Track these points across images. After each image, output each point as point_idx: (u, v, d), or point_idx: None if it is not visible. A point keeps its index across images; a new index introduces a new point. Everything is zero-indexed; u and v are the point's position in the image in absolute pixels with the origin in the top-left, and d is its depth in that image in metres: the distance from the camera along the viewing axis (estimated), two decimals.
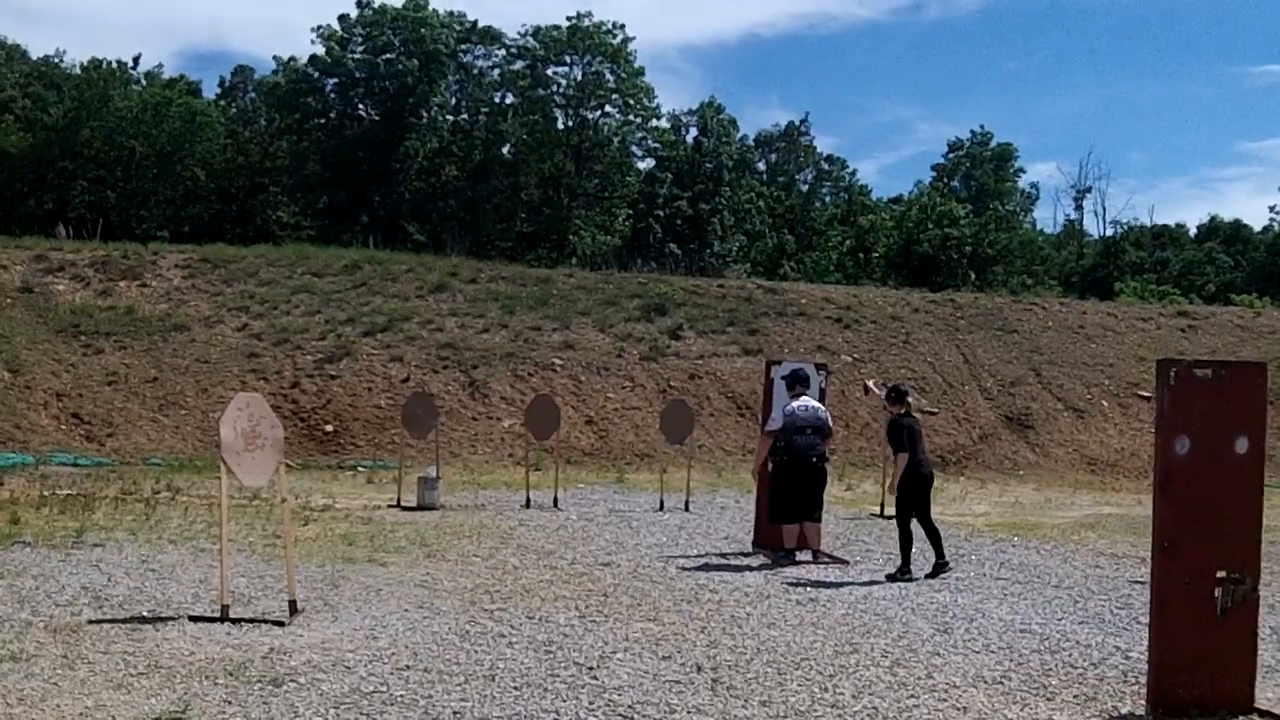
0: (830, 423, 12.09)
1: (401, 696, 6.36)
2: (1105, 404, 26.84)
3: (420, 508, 15.02)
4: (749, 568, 11.28)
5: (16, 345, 22.52)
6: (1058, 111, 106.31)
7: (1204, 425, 6.47)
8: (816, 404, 11.97)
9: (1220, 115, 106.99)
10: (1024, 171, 69.79)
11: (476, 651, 7.42)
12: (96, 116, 47.69)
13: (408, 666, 6.99)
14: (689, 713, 6.27)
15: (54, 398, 21.49)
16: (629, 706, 6.32)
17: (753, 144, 65.70)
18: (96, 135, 47.51)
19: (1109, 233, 67.16)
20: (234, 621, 7.95)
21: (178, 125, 48.67)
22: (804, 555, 11.80)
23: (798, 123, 68.06)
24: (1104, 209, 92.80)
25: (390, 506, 15.18)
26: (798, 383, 11.93)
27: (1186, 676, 6.41)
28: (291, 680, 6.59)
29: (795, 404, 11.74)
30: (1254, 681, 6.35)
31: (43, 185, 47.03)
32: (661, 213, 55.34)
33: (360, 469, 20.11)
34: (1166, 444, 6.57)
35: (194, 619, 8.03)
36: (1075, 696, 6.91)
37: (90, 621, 7.89)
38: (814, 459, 11.70)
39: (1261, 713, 6.45)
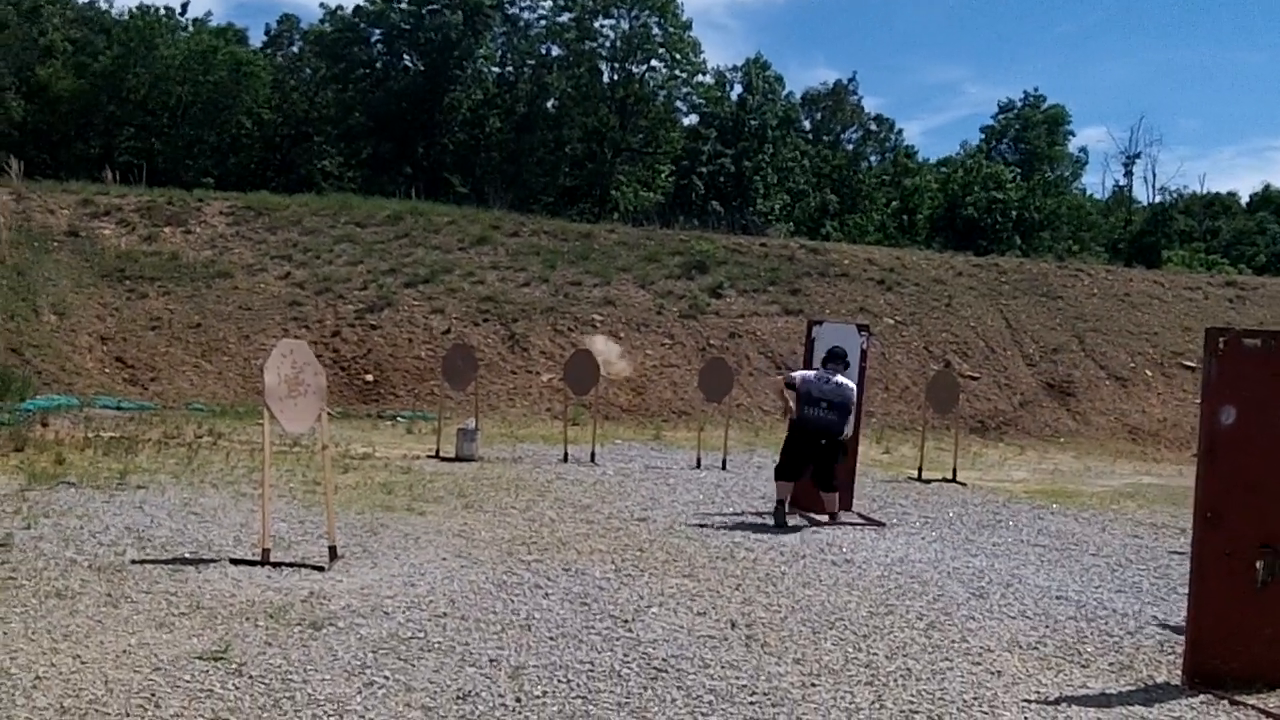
0: (852, 400, 11.56)
1: (439, 643, 6.43)
2: (1148, 373, 26.57)
3: (458, 459, 15.12)
4: (791, 527, 11.28)
5: (62, 289, 22.76)
6: (1110, 75, 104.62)
7: (1251, 395, 6.41)
8: (845, 381, 11.57)
9: (1275, 83, 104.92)
10: (1074, 135, 68.81)
11: (513, 601, 7.49)
12: (143, 63, 47.83)
13: (445, 614, 7.07)
14: (723, 668, 6.30)
15: (98, 341, 21.73)
16: (663, 660, 6.37)
17: (799, 102, 65.11)
18: (143, 81, 47.68)
19: (1158, 200, 66.25)
20: (274, 565, 8.06)
21: (224, 73, 48.74)
22: (798, 520, 11.79)
23: (845, 81, 67.35)
24: (1154, 175, 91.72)
25: (429, 457, 15.29)
26: (832, 359, 11.70)
27: (1224, 648, 6.38)
28: (330, 624, 6.68)
29: (816, 374, 11.66)
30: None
31: (90, 130, 47.30)
32: (704, 170, 54.96)
33: (400, 419, 20.24)
34: (1212, 413, 6.51)
35: (235, 562, 8.14)
36: (1110, 664, 6.89)
37: (133, 561, 8.02)
38: (822, 440, 11.42)
39: None
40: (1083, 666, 6.81)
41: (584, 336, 23.55)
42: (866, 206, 59.19)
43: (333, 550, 8.39)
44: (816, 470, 11.57)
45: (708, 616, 7.43)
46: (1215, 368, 6.54)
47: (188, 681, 5.55)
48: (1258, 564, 6.38)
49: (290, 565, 8.12)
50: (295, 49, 58.24)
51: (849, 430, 11.62)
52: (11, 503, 9.92)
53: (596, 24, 55.72)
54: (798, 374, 11.94)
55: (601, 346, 12.89)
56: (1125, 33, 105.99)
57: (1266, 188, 68.61)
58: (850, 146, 67.31)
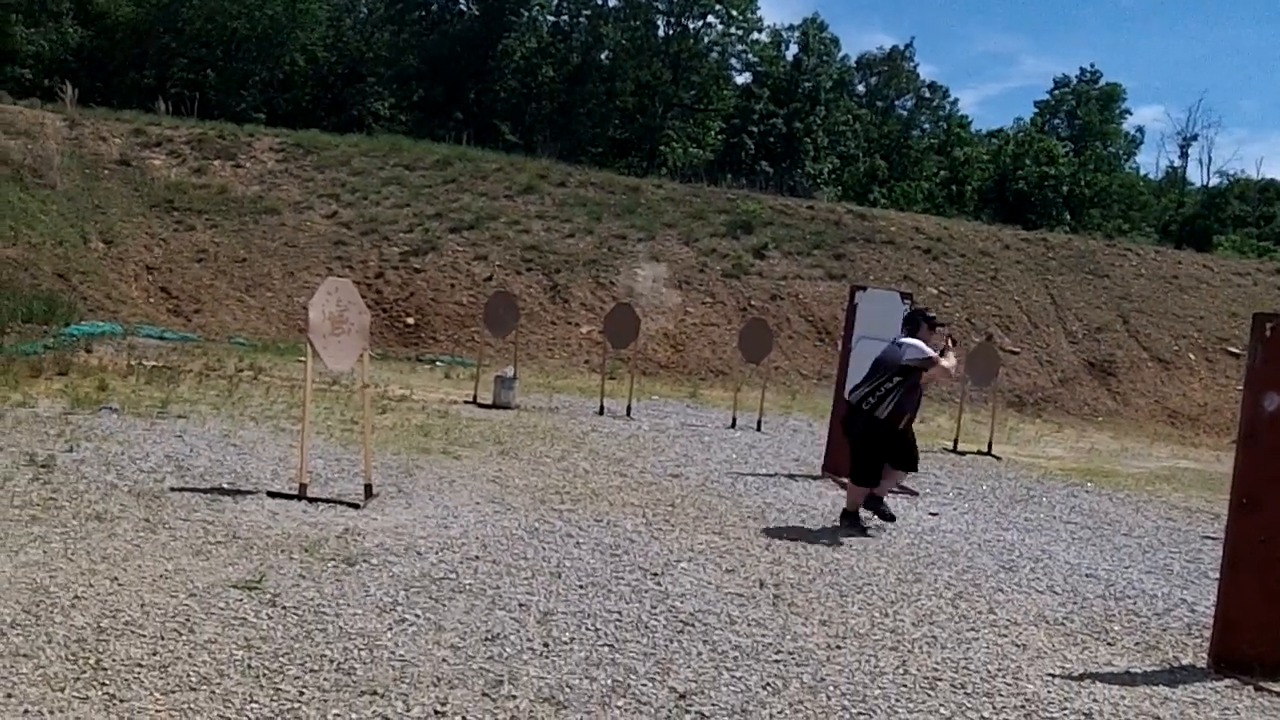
0: (888, 361, 9.28)
1: (470, 585, 6.50)
2: (1192, 357, 26.33)
3: (495, 406, 15.21)
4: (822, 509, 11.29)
5: (111, 217, 22.99)
6: (1170, 54, 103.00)
7: None
8: (904, 339, 9.40)
9: None
10: (1130, 114, 68.01)
11: (544, 549, 7.55)
12: None
13: (477, 557, 7.14)
14: (749, 625, 6.34)
15: (145, 270, 21.96)
16: (690, 614, 6.41)
17: (854, 65, 64.56)
18: (199, 13, 47.74)
19: (1213, 183, 65.40)
20: (311, 500, 8.16)
21: (279, 8, 48.75)
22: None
23: (901, 47, 66.73)
24: (1210, 158, 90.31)
25: (466, 402, 15.38)
26: (905, 323, 9.80)
27: (1253, 633, 6.36)
28: (364, 560, 6.76)
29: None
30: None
31: (144, 60, 47.46)
32: (755, 129, 54.66)
33: (439, 363, 20.36)
34: (1255, 399, 6.46)
35: (272, 495, 8.25)
36: (1136, 644, 6.89)
37: (172, 489, 8.14)
38: (849, 404, 9.55)
39: None
40: (1108, 644, 6.81)
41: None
42: (916, 174, 58.76)
43: (368, 489, 8.48)
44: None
45: (736, 574, 7.47)
46: (1261, 354, 6.48)
47: (222, 609, 5.65)
48: None
49: (326, 501, 8.22)
50: None
51: (868, 397, 9.23)
52: (55, 425, 10.08)
53: None
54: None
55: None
56: (1186, 10, 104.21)
57: None
58: (903, 113, 66.75)
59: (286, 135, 29.32)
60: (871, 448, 9.26)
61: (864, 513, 9.54)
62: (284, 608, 5.75)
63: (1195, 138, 65.60)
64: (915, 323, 9.52)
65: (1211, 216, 59.33)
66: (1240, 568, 6.45)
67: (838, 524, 9.40)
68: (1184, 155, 67.74)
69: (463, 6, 53.71)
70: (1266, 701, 6.02)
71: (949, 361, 9.26)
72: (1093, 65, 66.97)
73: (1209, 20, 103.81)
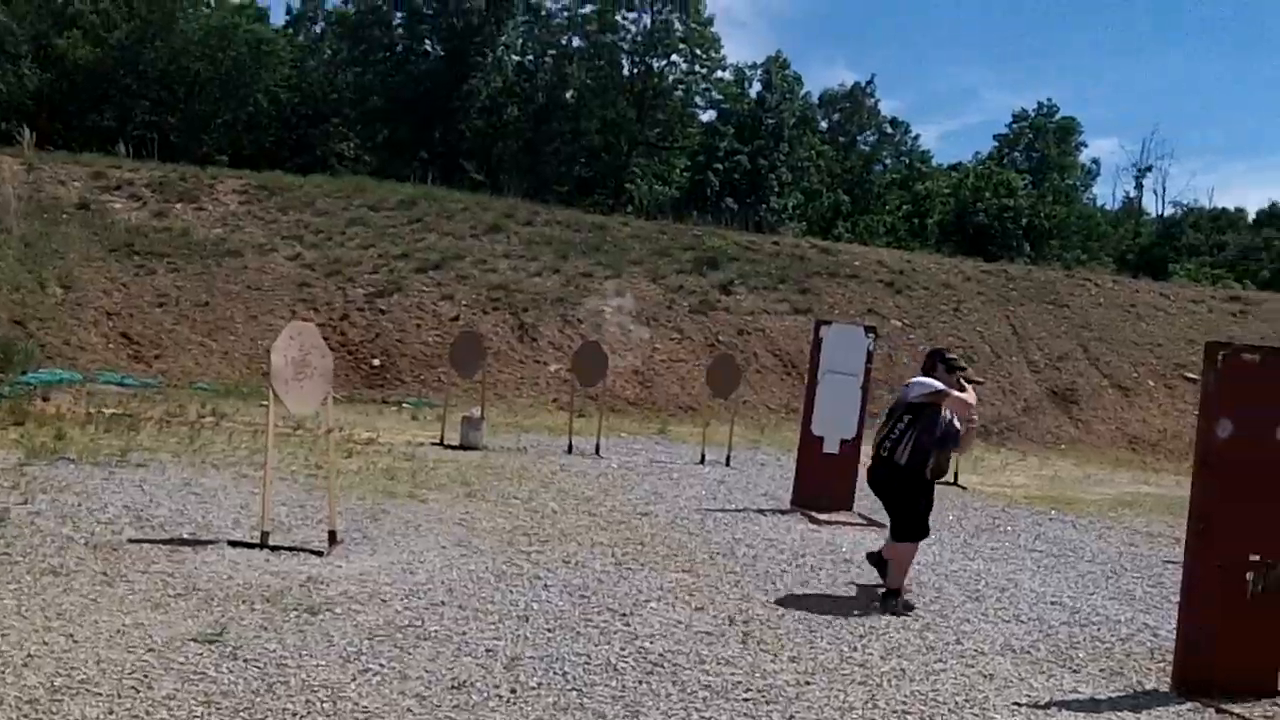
0: (909, 393, 8.39)
1: (435, 631, 6.46)
2: (1151, 383, 26.57)
3: (463, 447, 15.15)
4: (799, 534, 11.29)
5: (70, 262, 22.81)
6: (1124, 87, 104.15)
7: (1248, 410, 6.48)
8: (913, 380, 8.59)
9: None
10: (1086, 146, 68.77)
11: (512, 592, 7.52)
12: (162, 36, 47.82)
13: (443, 602, 7.10)
14: (718, 664, 6.33)
15: (104, 316, 21.78)
16: (660, 654, 6.39)
17: (816, 102, 65.06)
18: (161, 55, 47.61)
19: (1168, 212, 66.16)
20: (273, 549, 8.09)
21: (243, 50, 48.74)
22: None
23: (863, 84, 67.31)
24: (1164, 188, 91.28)
25: (433, 444, 15.32)
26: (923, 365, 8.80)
27: (1213, 657, 6.44)
28: (328, 609, 6.71)
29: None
30: (1279, 665, 6.33)
31: (105, 102, 47.21)
32: (720, 166, 54.90)
33: (405, 405, 20.28)
34: (1209, 426, 6.57)
35: (233, 544, 8.17)
36: (1101, 670, 6.93)
37: (131, 540, 8.05)
38: (873, 458, 8.52)
39: None
40: (1074, 671, 6.84)
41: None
42: (879, 209, 59.20)
43: (332, 535, 8.42)
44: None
45: (706, 612, 7.46)
46: (1214, 381, 6.60)
47: (181, 663, 5.58)
48: (1248, 575, 6.43)
49: (289, 549, 8.15)
50: (317, 29, 58.29)
51: (884, 442, 8.35)
52: (9, 477, 9.92)
53: (618, 17, 55.75)
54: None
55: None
56: (1141, 45, 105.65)
57: (1273, 204, 68.56)
58: (865, 149, 67.29)
59: (250, 177, 29.22)
60: (904, 498, 8.25)
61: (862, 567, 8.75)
62: (245, 660, 5.69)
63: (1150, 169, 66.31)
64: (930, 363, 8.67)
65: (1167, 246, 60.03)
66: (1199, 592, 6.53)
67: (881, 608, 8.01)
68: (1139, 186, 68.36)
69: (428, 47, 53.81)
70: None
71: (969, 396, 8.37)
72: (1049, 99, 67.49)
73: (1160, 55, 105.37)
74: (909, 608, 8.04)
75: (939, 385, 8.22)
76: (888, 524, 11.53)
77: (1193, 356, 26.50)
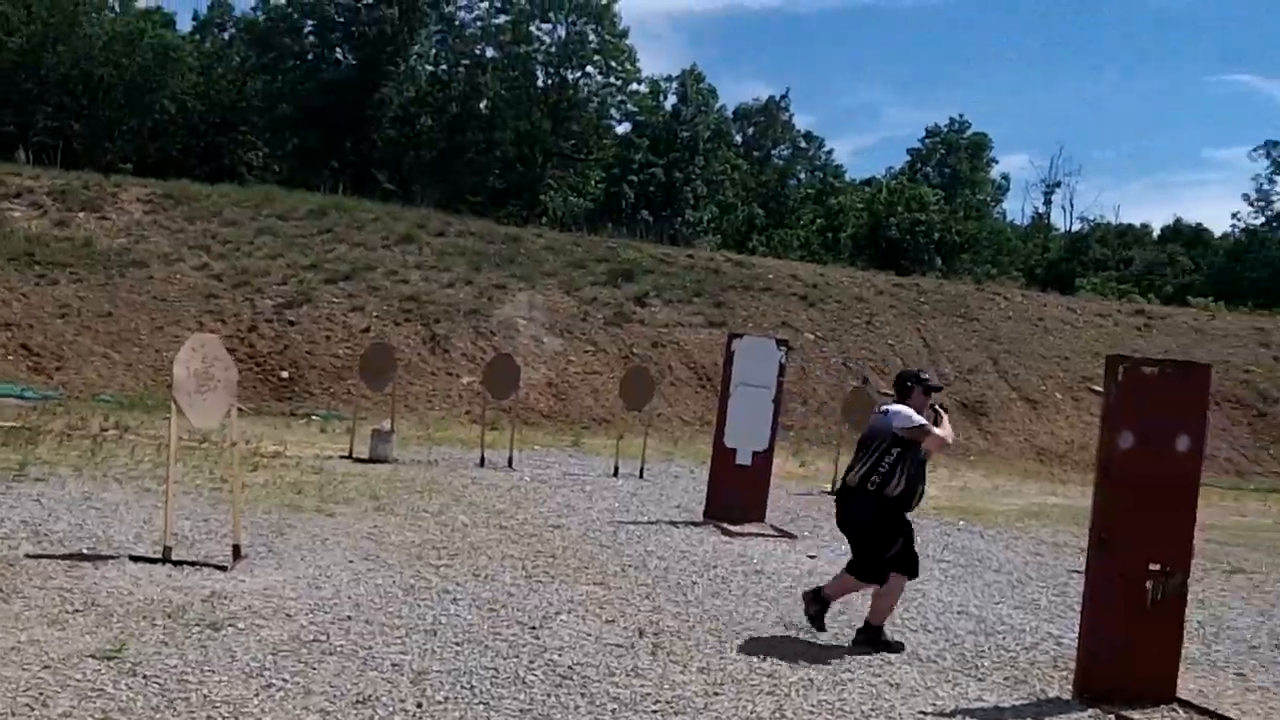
0: (881, 431, 7.68)
1: (341, 646, 6.36)
2: (1058, 396, 27.11)
3: (372, 460, 14.98)
4: (695, 530, 11.31)
5: None
6: (1034, 105, 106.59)
7: (1147, 421, 6.60)
8: (890, 406, 7.88)
9: (1190, 120, 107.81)
10: (996, 162, 70.08)
11: (420, 606, 7.44)
12: (64, 41, 46.82)
13: (349, 617, 7.00)
14: (628, 675, 6.31)
15: (3, 327, 21.24)
16: (569, 667, 6.36)
17: (731, 116, 65.59)
18: (63, 60, 46.63)
19: (1075, 228, 67.63)
20: (175, 564, 7.91)
21: (149, 57, 47.90)
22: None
23: (777, 98, 68.03)
24: (1072, 204, 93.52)
25: (342, 457, 15.13)
26: (894, 386, 8.23)
27: (1113, 664, 6.56)
28: (230, 625, 6.58)
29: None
30: (1177, 672, 6.46)
31: (4, 107, 46.12)
32: (635, 178, 55.12)
33: (314, 418, 20.02)
34: (1110, 438, 6.70)
35: (135, 559, 7.98)
36: (1005, 679, 7.02)
37: (28, 556, 7.83)
38: (846, 488, 7.92)
39: (1182, 702, 6.63)
40: (979, 680, 6.93)
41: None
42: (793, 222, 59.77)
43: (236, 549, 8.27)
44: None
45: (616, 624, 7.44)
46: (1115, 394, 6.74)
47: (78, 680, 5.43)
48: (1148, 584, 6.57)
49: (192, 564, 7.98)
50: (225, 36, 57.47)
51: (870, 475, 7.62)
52: None
53: (533, 28, 55.74)
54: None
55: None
56: (1051, 64, 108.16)
57: (1177, 220, 70.51)
58: (780, 162, 67.96)
59: (155, 185, 28.69)
60: (883, 534, 7.60)
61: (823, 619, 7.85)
62: (144, 677, 5.55)
63: (1058, 185, 67.68)
64: (905, 387, 7.93)
65: (1074, 260, 61.38)
66: (1100, 601, 6.66)
67: (862, 645, 7.45)
68: (1048, 202, 69.65)
69: (339, 55, 53.34)
70: None
71: (944, 431, 7.81)
72: (961, 115, 68.78)
73: (1069, 74, 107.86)
74: (900, 646, 7.52)
75: (920, 420, 7.63)
76: (796, 535, 11.66)
77: (1099, 369, 26.88)
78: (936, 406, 7.97)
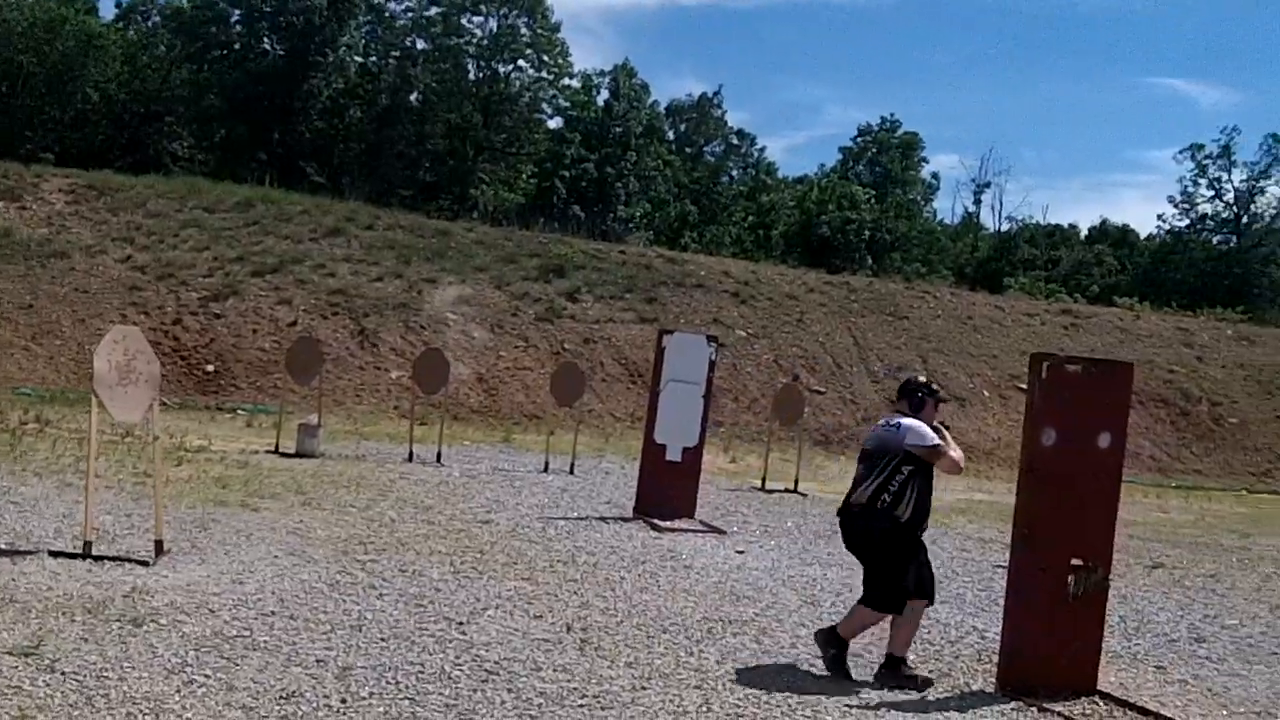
0: (892, 445, 7.05)
1: (265, 642, 6.29)
2: (986, 394, 27.45)
3: (299, 455, 14.82)
4: (631, 533, 11.32)
5: None
6: (964, 105, 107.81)
7: (1070, 419, 6.69)
8: (903, 422, 7.14)
9: (1117, 123, 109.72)
10: (928, 161, 70.84)
11: (345, 601, 7.37)
12: None
13: (273, 612, 6.92)
14: (555, 671, 6.30)
15: None
16: (495, 663, 6.33)
17: (664, 112, 65.64)
18: None
19: (1004, 228, 68.53)
20: (96, 559, 7.78)
21: (71, 45, 46.91)
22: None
23: (710, 95, 68.18)
24: (1001, 204, 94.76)
25: (268, 452, 14.94)
26: (902, 394, 7.47)
27: (1035, 658, 6.65)
28: (152, 620, 6.48)
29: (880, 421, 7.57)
30: (1098, 666, 6.56)
31: None
32: (567, 173, 55.00)
33: (240, 412, 19.77)
34: (1034, 435, 6.81)
35: (55, 554, 7.83)
36: (930, 671, 7.10)
37: None
38: (853, 507, 7.20)
39: (1103, 695, 6.74)
40: None
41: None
42: (725, 219, 59.97)
43: (159, 545, 8.14)
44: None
45: (544, 620, 7.42)
46: (1039, 391, 6.84)
47: None
48: (1069, 579, 6.67)
49: (113, 559, 7.85)
50: (150, 24, 56.44)
51: (881, 494, 7.01)
52: None
53: (464, 20, 55.37)
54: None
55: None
56: (981, 65, 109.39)
57: (1104, 221, 71.78)
58: (712, 159, 68.14)
59: (77, 176, 28.12)
60: (899, 559, 7.02)
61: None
62: (63, 673, 5.45)
63: (988, 185, 68.56)
64: (917, 399, 7.23)
65: (1003, 260, 62.19)
66: (1023, 596, 6.75)
67: (882, 684, 6.78)
68: (977, 202, 70.50)
69: (266, 45, 52.60)
70: None
71: (957, 454, 7.24)
72: (893, 114, 69.45)
73: (1000, 75, 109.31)
74: (928, 682, 6.88)
75: (935, 439, 7.05)
76: (726, 530, 11.70)
77: (1025, 368, 27.47)
78: (939, 423, 7.31)
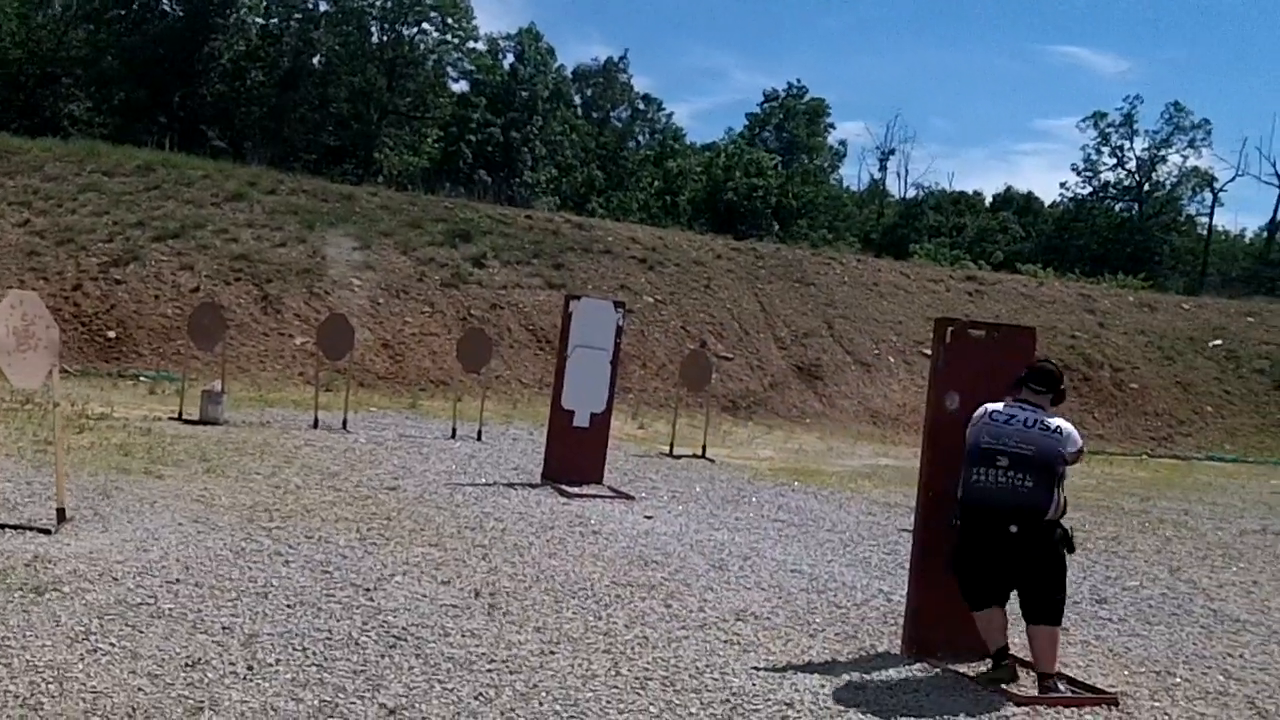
0: (1058, 453, 6.39)
1: (170, 610, 6.22)
2: (891, 360, 27.86)
3: (203, 422, 14.60)
4: (540, 499, 11.35)
5: None
6: (870, 72, 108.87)
7: (974, 383, 6.81)
8: (1050, 422, 6.46)
9: (1021, 91, 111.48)
10: (834, 128, 71.52)
11: (251, 569, 7.31)
12: None
13: (178, 580, 6.84)
14: (463, 636, 6.32)
15: None
16: (403, 629, 6.34)
17: (570, 76, 65.34)
18: None
19: (910, 195, 69.47)
20: None
21: None
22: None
23: (616, 59, 68.02)
24: (906, 171, 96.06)
25: (171, 419, 14.71)
26: (1033, 379, 6.60)
27: (940, 620, 6.79)
28: (55, 589, 6.37)
29: (997, 407, 6.57)
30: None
31: None
32: (473, 138, 54.57)
33: (142, 379, 19.40)
34: (938, 399, 6.94)
35: None
36: (836, 634, 7.23)
37: None
38: (1010, 527, 6.37)
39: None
40: (810, 636, 7.12)
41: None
42: (632, 185, 59.98)
43: (61, 512, 7.99)
44: (1017, 586, 6.60)
45: (452, 585, 7.43)
46: (943, 356, 6.97)
47: None
48: None
49: (14, 528, 7.69)
50: None
51: (1051, 503, 6.39)
52: None
53: None
54: (977, 411, 6.66)
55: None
56: (887, 31, 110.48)
57: (1008, 189, 73.02)
58: (619, 125, 68.03)
59: None
60: (1064, 566, 6.60)
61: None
62: None
63: (893, 152, 69.45)
64: (1060, 391, 6.67)
65: (909, 226, 63.11)
66: (927, 559, 6.89)
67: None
68: (883, 169, 71.39)
69: (165, 6, 51.33)
70: (952, 681, 6.45)
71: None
72: (799, 80, 70.17)
73: (905, 42, 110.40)
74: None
75: (1082, 443, 6.60)
76: (634, 496, 11.77)
77: (930, 334, 27.92)
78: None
